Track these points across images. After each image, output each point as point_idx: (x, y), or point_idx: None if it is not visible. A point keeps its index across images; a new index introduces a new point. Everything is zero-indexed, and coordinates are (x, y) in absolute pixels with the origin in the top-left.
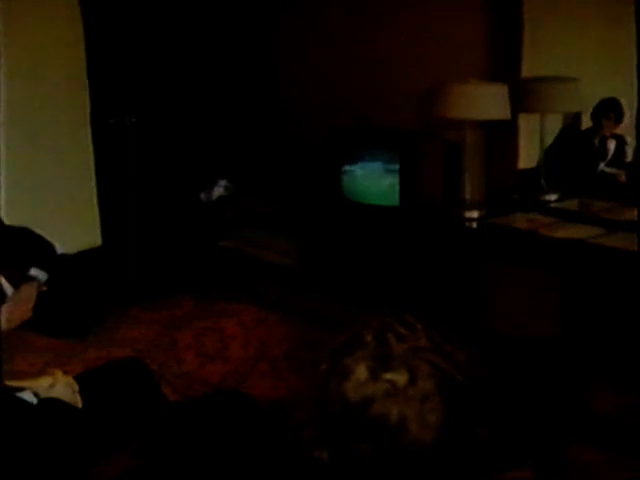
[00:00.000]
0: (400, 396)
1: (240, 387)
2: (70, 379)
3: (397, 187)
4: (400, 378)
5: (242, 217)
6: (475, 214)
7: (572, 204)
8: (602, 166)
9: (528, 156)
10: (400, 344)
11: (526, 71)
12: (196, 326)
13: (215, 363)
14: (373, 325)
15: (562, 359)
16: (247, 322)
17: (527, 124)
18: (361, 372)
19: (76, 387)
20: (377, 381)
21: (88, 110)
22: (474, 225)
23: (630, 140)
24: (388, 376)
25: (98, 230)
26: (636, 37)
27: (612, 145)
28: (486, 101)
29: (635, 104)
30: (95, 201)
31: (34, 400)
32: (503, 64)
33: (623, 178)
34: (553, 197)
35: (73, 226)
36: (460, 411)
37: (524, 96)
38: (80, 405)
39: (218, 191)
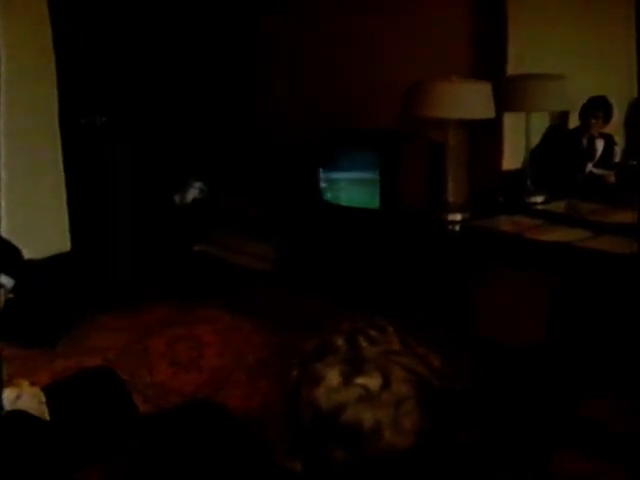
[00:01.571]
0: (374, 401)
1: (215, 397)
2: (37, 390)
3: (378, 189)
4: (373, 382)
5: (218, 220)
6: (458, 217)
7: (559, 206)
8: (590, 167)
9: (513, 156)
10: (372, 347)
11: (511, 68)
12: (169, 334)
13: (189, 372)
14: (344, 329)
15: (551, 366)
16: (222, 329)
17: (512, 123)
18: (333, 377)
19: (43, 399)
20: (349, 386)
21: (57, 110)
22: (457, 228)
23: (619, 140)
24: (361, 380)
25: (67, 234)
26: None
27: (600, 145)
28: (469, 100)
29: (624, 102)
30: (64, 204)
31: None
32: (487, 61)
33: (612, 179)
34: (539, 199)
35: (41, 230)
36: (437, 416)
37: (509, 94)
38: (48, 417)
39: (193, 193)
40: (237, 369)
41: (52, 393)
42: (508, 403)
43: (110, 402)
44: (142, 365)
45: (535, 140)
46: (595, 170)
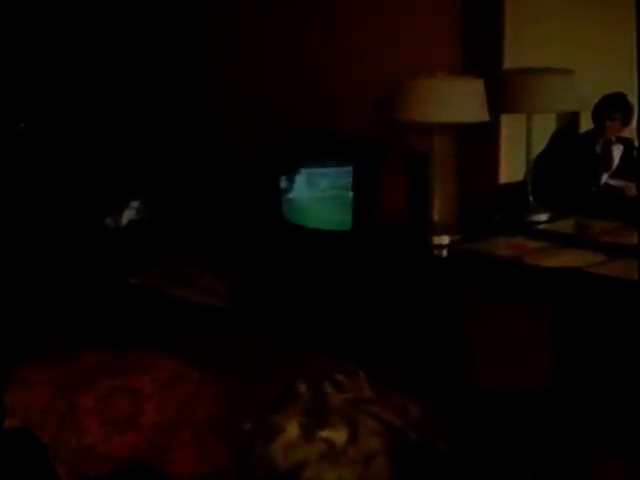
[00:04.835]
0: (339, 458)
1: (156, 463)
2: None
3: (350, 207)
4: (338, 436)
5: (159, 247)
6: (446, 240)
7: (566, 225)
8: (605, 177)
9: (512, 167)
10: (339, 395)
11: (508, 61)
12: (101, 386)
13: (125, 433)
14: (307, 373)
15: (556, 418)
16: (165, 379)
17: (510, 127)
18: (292, 430)
19: None
20: (311, 440)
21: None
22: (445, 253)
23: None
24: (324, 434)
25: None
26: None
27: (618, 151)
28: (458, 100)
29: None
30: None
31: None
32: (479, 53)
33: (632, 191)
34: (543, 217)
35: None
36: (412, 477)
37: (506, 93)
38: None
39: (129, 215)
40: (183, 428)
41: None
42: (501, 464)
43: (27, 472)
44: (67, 425)
45: (538, 147)
46: (612, 181)
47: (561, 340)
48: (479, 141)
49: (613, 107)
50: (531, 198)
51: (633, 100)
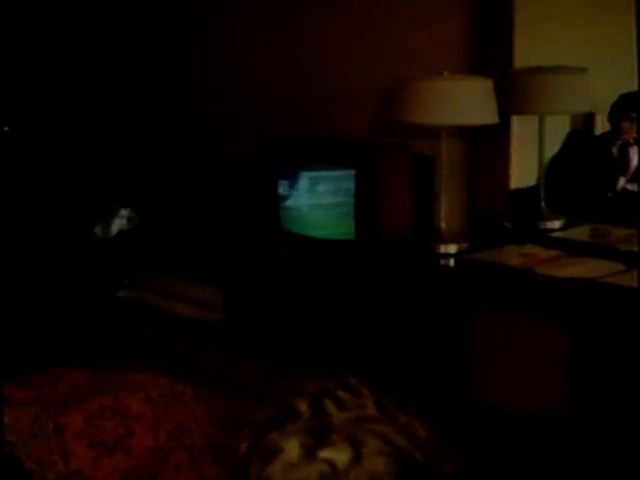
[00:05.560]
0: (341, 479)
1: None
2: None
3: (352, 215)
4: (341, 456)
5: (150, 257)
6: (453, 248)
7: (581, 233)
8: (623, 182)
9: (523, 172)
10: (341, 413)
11: (519, 60)
12: (89, 406)
13: (114, 456)
14: (308, 390)
15: (570, 442)
16: (157, 398)
17: (522, 130)
18: (292, 450)
19: None
20: (312, 461)
21: None
22: (452, 263)
23: None
24: (325, 454)
25: None
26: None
27: (636, 154)
28: (466, 101)
29: None
30: None
31: None
32: (488, 51)
33: None
34: (556, 224)
35: None
36: None
37: (517, 93)
38: None
39: (118, 223)
40: (176, 450)
41: None
42: None
43: None
44: (54, 449)
45: (551, 151)
46: (629, 186)
47: (577, 357)
48: (488, 144)
49: (630, 107)
50: (544, 204)
51: None
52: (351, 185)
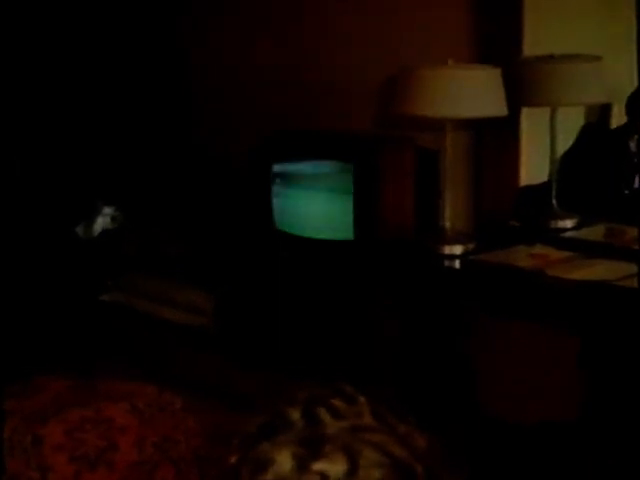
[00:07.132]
0: None
1: None
2: None
3: (351, 213)
4: (335, 468)
5: (137, 258)
6: (459, 249)
7: (595, 232)
8: None
9: (534, 168)
10: (336, 422)
11: (529, 47)
12: (70, 417)
13: (96, 470)
14: (301, 399)
15: (579, 454)
16: (143, 408)
17: (532, 123)
18: (284, 462)
19: None
20: (305, 473)
21: None
22: (457, 264)
23: None
24: (319, 466)
25: None
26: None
27: None
28: (473, 92)
29: None
30: None
31: None
32: (495, 39)
33: None
34: (569, 223)
35: None
36: None
37: (527, 83)
38: None
39: (102, 222)
40: (163, 463)
41: None
42: None
43: None
44: (32, 463)
45: (564, 145)
46: None
47: (588, 365)
48: (496, 138)
49: None
50: (555, 202)
51: None
52: (351, 182)
